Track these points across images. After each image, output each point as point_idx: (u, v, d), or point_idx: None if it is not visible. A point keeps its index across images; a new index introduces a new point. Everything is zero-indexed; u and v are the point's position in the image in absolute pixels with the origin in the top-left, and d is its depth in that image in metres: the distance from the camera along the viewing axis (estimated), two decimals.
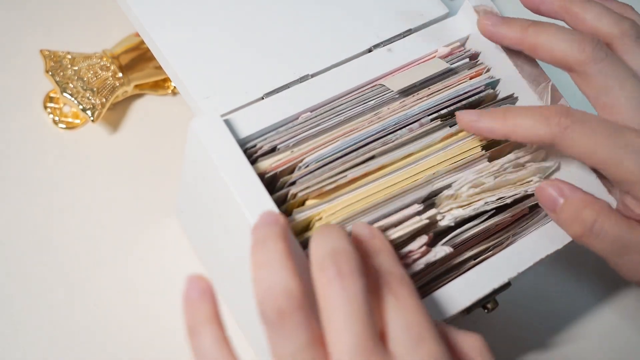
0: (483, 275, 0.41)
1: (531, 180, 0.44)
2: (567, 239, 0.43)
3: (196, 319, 0.33)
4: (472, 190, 0.42)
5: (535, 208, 0.45)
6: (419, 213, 0.41)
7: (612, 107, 0.40)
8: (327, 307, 0.32)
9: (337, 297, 0.32)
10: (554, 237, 0.43)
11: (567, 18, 0.43)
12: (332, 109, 0.43)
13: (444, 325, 0.36)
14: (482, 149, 0.44)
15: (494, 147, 0.44)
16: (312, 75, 0.44)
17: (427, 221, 0.40)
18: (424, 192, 0.41)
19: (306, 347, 0.31)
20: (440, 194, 0.42)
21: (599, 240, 0.39)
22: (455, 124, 0.43)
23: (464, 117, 0.42)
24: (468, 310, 0.41)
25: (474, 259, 0.43)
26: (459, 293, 0.40)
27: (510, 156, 0.44)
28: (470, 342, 0.35)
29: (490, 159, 0.44)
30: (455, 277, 0.41)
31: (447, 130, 0.43)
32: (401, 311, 0.33)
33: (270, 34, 0.45)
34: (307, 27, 0.46)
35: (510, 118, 0.40)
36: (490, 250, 0.43)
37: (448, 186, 0.42)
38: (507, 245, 0.43)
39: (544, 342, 0.55)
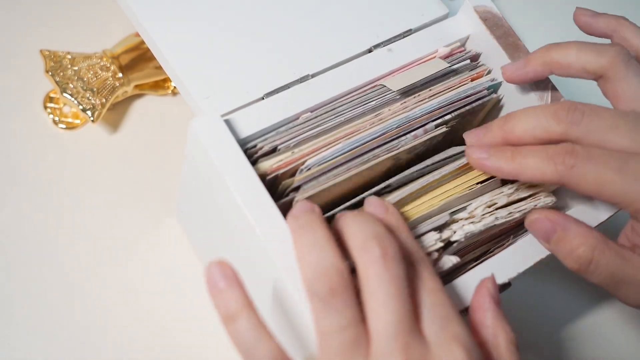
0: (483, 276, 0.41)
1: (540, 195, 0.44)
2: None
3: (229, 307, 0.34)
4: (486, 210, 0.42)
5: None
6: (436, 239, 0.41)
7: (619, 150, 0.39)
8: (370, 285, 0.34)
9: (381, 277, 0.33)
10: None
11: (553, 71, 0.42)
12: (333, 109, 0.43)
13: (486, 310, 0.38)
14: None
15: None
16: (313, 75, 0.44)
17: (442, 244, 0.41)
18: (440, 220, 0.41)
19: (351, 322, 0.33)
20: (455, 216, 0.42)
21: (595, 275, 0.39)
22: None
23: (474, 153, 0.41)
24: (468, 309, 0.41)
25: (475, 261, 0.43)
26: (459, 293, 0.40)
27: None
28: (504, 335, 0.37)
29: (504, 181, 0.44)
30: (456, 278, 0.41)
31: (464, 161, 0.43)
32: (427, 292, 0.35)
33: (270, 34, 0.45)
34: (308, 27, 0.46)
35: (518, 158, 0.40)
36: (491, 252, 0.43)
37: (463, 209, 0.42)
38: (507, 246, 0.43)
39: (544, 342, 0.55)
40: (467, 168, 0.43)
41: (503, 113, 0.47)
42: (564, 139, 0.40)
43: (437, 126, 0.43)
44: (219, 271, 0.34)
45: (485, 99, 0.45)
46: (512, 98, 0.47)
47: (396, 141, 0.42)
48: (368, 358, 0.33)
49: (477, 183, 0.43)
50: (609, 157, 0.38)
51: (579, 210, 0.44)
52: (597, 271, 0.39)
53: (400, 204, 0.41)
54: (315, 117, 0.43)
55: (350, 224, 0.36)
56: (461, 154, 0.43)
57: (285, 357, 0.34)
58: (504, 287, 0.42)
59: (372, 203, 0.38)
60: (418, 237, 0.40)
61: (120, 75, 0.55)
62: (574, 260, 0.39)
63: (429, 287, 0.35)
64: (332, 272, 0.34)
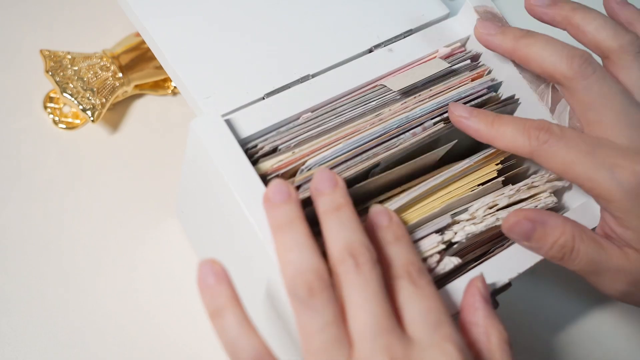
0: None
1: (541, 196, 0.44)
2: None
3: (216, 302, 0.35)
4: (487, 211, 0.42)
5: None
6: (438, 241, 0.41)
7: (597, 123, 0.40)
8: (347, 292, 0.35)
9: (355, 284, 0.34)
10: None
11: (569, 29, 0.43)
12: (333, 109, 0.43)
13: (477, 309, 0.38)
14: (497, 173, 0.44)
15: (509, 172, 0.45)
16: (313, 76, 0.44)
17: (444, 246, 0.41)
18: (442, 222, 0.41)
19: (332, 322, 0.34)
20: (457, 217, 0.42)
21: (575, 262, 0.40)
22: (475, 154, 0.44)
23: (456, 110, 0.42)
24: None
25: (475, 261, 0.43)
26: (459, 293, 0.40)
27: (527, 180, 0.44)
28: (496, 333, 0.37)
29: (505, 182, 0.44)
30: (456, 278, 0.41)
31: (467, 163, 0.43)
32: (420, 297, 0.35)
33: (271, 34, 0.45)
34: (308, 27, 0.46)
35: (497, 125, 0.41)
36: (491, 252, 0.43)
37: (464, 210, 0.42)
38: (507, 246, 0.43)
39: (544, 342, 0.55)
40: (468, 170, 0.43)
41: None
42: (564, 84, 0.41)
43: (435, 123, 0.43)
44: (209, 268, 0.35)
45: (484, 97, 0.45)
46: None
47: (395, 139, 0.42)
48: (351, 359, 0.33)
49: (479, 185, 0.43)
50: (581, 140, 0.39)
51: (578, 211, 0.44)
52: (578, 258, 0.40)
53: (403, 208, 0.41)
54: (316, 117, 0.43)
55: (329, 227, 0.36)
56: (461, 159, 0.43)
57: (269, 353, 0.34)
58: (504, 287, 0.42)
59: (376, 212, 0.39)
60: (420, 239, 0.40)
61: (120, 75, 0.55)
62: (558, 251, 0.40)
63: (423, 293, 0.36)
64: (312, 274, 0.34)
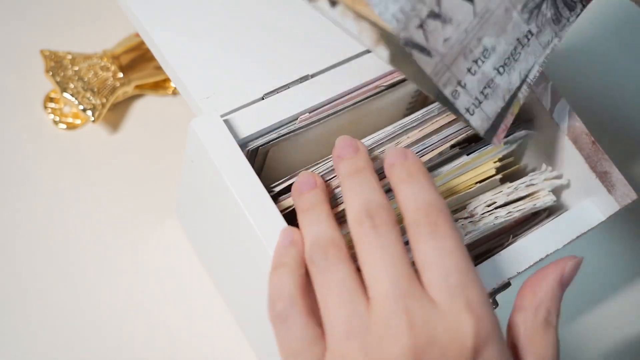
0: (483, 275, 0.41)
1: (540, 194, 0.44)
2: (567, 239, 0.43)
3: (280, 259, 0.36)
4: (485, 209, 0.42)
5: (538, 214, 0.46)
6: None
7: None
8: (364, 255, 0.34)
9: (373, 245, 0.34)
10: (554, 237, 0.43)
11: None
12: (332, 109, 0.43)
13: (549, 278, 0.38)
14: (495, 171, 0.44)
15: (507, 169, 0.45)
16: (312, 76, 0.44)
17: None
18: None
19: (347, 278, 0.34)
20: (455, 215, 0.42)
21: None
22: (472, 151, 0.43)
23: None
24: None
25: (475, 260, 0.43)
26: None
27: (525, 178, 0.44)
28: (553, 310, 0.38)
29: (503, 180, 0.44)
30: None
31: (465, 159, 0.43)
32: (441, 254, 0.33)
33: (270, 34, 0.45)
34: (307, 27, 0.46)
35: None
36: (491, 251, 0.43)
37: (462, 208, 0.42)
38: (507, 246, 0.43)
39: None
40: (466, 167, 0.43)
41: None
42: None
43: (451, 148, 0.42)
44: (288, 235, 0.37)
45: None
46: None
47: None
48: (371, 323, 0.33)
49: (476, 182, 0.43)
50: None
51: (578, 211, 0.44)
52: None
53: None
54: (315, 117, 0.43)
55: (348, 189, 0.36)
56: (459, 154, 0.43)
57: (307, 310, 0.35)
58: (503, 287, 0.42)
59: (391, 152, 0.37)
60: None
61: (120, 75, 0.55)
62: None
63: (444, 248, 0.33)
64: (326, 241, 0.35)
